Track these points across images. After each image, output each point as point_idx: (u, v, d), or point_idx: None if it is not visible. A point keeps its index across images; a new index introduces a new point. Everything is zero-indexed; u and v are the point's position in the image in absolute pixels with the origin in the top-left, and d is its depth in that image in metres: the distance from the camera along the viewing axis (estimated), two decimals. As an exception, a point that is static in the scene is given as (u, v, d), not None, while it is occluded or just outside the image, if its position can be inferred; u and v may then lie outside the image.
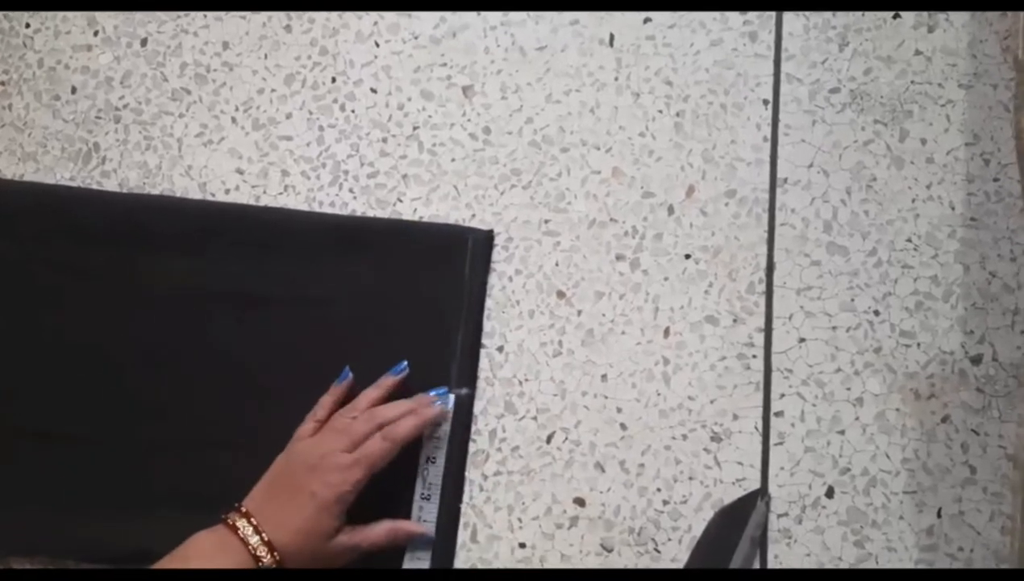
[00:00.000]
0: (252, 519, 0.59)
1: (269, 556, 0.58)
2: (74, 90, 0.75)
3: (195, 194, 0.72)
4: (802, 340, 0.68)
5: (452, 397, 0.66)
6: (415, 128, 0.73)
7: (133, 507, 0.65)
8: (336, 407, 0.65)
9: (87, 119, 0.74)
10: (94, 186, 0.72)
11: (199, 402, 0.67)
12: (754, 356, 0.68)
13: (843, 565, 0.64)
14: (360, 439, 0.61)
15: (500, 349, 0.69)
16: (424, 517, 0.64)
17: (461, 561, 0.65)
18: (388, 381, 0.65)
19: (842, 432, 0.66)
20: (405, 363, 0.65)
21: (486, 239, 0.70)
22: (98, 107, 0.74)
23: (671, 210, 0.71)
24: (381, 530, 0.62)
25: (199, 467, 0.65)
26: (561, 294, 0.70)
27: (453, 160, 0.73)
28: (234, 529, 0.58)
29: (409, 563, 0.64)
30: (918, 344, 0.68)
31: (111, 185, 0.73)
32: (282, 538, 0.58)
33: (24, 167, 0.73)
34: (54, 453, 0.66)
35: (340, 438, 0.61)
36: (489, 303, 0.69)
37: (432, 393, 0.65)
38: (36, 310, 0.69)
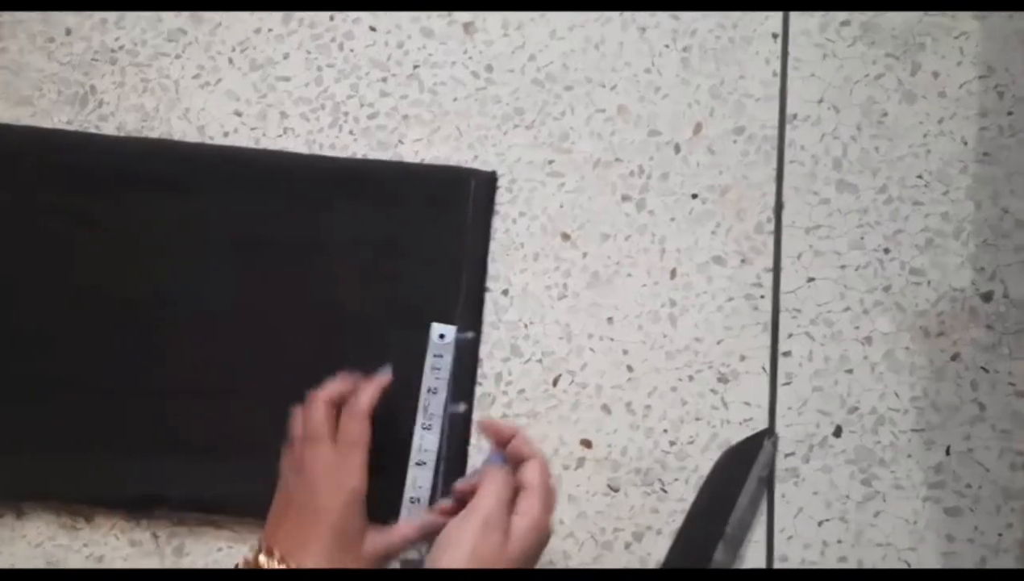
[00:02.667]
0: (275, 551, 0.55)
1: None
2: (69, 32, 0.73)
3: (193, 137, 0.71)
4: (811, 279, 0.67)
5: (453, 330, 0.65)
6: (415, 67, 0.72)
7: (141, 453, 0.65)
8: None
9: (83, 61, 0.73)
10: (92, 130, 0.71)
11: (201, 348, 0.66)
12: (762, 296, 0.67)
13: (851, 503, 0.64)
14: (332, 432, 0.59)
15: (505, 292, 0.68)
16: (425, 447, 0.64)
17: (468, 503, 0.65)
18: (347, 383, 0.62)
19: (850, 371, 0.66)
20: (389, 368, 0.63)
21: (489, 181, 0.69)
22: (94, 49, 0.73)
23: (678, 148, 0.70)
24: (410, 527, 0.59)
25: (204, 413, 0.65)
26: (566, 236, 0.69)
27: (455, 100, 0.71)
28: (257, 565, 0.55)
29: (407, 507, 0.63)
30: (928, 282, 0.67)
31: (109, 129, 0.71)
32: (308, 561, 0.55)
33: (20, 111, 0.72)
34: (60, 399, 0.66)
35: (317, 443, 0.58)
36: (493, 246, 0.68)
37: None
38: (35, 256, 0.68)
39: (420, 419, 0.64)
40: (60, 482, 0.65)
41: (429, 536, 0.57)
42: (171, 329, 0.67)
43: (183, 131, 0.71)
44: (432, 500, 0.63)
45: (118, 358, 0.67)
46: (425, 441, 0.64)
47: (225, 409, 0.65)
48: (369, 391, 0.61)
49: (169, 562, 0.65)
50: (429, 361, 0.65)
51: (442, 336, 0.65)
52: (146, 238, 0.68)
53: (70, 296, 0.67)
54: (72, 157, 0.70)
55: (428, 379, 0.65)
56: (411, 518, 0.61)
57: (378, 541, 0.57)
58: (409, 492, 0.63)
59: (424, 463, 0.64)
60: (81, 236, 0.68)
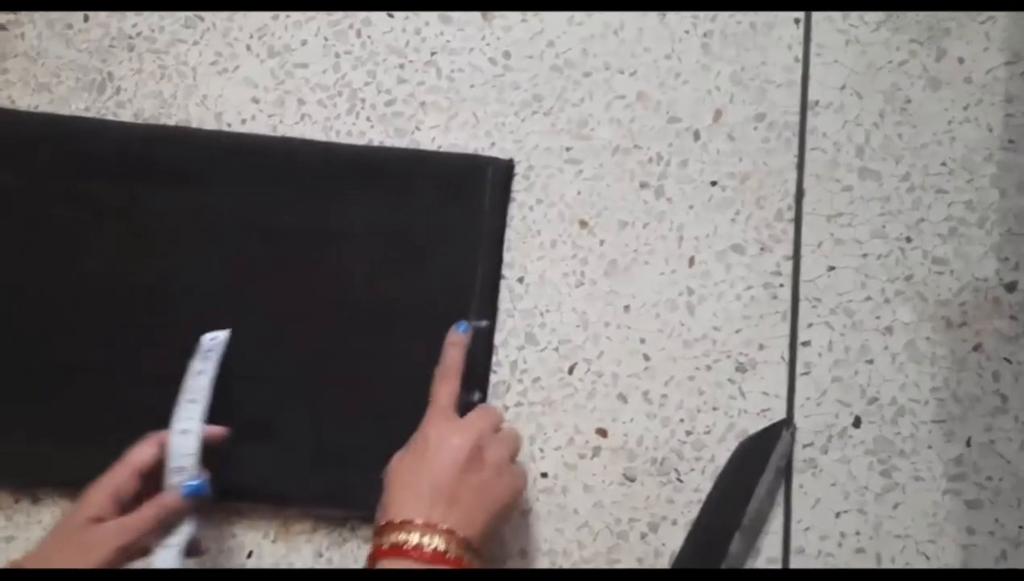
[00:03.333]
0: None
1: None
2: (87, 18, 0.73)
3: (211, 124, 0.71)
4: (831, 268, 0.66)
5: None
6: (433, 53, 0.71)
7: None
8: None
9: (100, 48, 0.73)
10: (110, 117, 0.71)
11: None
12: (781, 285, 0.66)
13: (869, 494, 0.63)
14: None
15: (520, 280, 0.68)
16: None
17: (483, 491, 0.65)
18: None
19: (871, 362, 0.65)
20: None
21: (506, 168, 0.68)
22: (111, 35, 0.73)
23: (697, 135, 0.69)
24: (149, 511, 0.57)
25: (219, 398, 0.65)
26: (583, 223, 0.68)
27: (472, 86, 0.71)
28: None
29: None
30: (951, 271, 0.66)
31: (127, 115, 0.71)
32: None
33: (39, 98, 0.72)
34: (73, 385, 0.66)
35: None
36: (509, 233, 0.68)
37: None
38: (50, 243, 0.68)
39: (177, 426, 0.60)
40: (74, 469, 0.65)
41: (169, 520, 0.57)
42: (184, 317, 0.67)
43: (200, 118, 0.71)
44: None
45: (131, 345, 0.67)
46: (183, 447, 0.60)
47: (238, 395, 0.65)
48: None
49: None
50: (193, 367, 0.62)
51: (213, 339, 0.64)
52: (161, 225, 0.68)
53: (84, 283, 0.68)
54: (89, 144, 0.70)
55: (188, 387, 0.61)
56: (153, 502, 0.57)
57: (109, 529, 0.56)
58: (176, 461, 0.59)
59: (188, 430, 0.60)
60: (97, 223, 0.68)
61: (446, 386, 0.60)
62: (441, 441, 0.56)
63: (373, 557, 0.54)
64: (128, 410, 0.66)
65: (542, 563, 0.63)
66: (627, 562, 0.63)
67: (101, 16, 0.73)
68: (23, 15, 0.73)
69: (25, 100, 0.72)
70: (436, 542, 0.52)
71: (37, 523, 0.66)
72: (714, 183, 0.68)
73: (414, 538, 0.52)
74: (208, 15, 0.73)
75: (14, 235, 0.69)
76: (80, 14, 0.73)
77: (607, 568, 0.63)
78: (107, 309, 0.67)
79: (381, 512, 0.55)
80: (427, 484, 0.54)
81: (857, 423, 0.64)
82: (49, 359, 0.67)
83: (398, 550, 0.52)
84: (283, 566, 0.64)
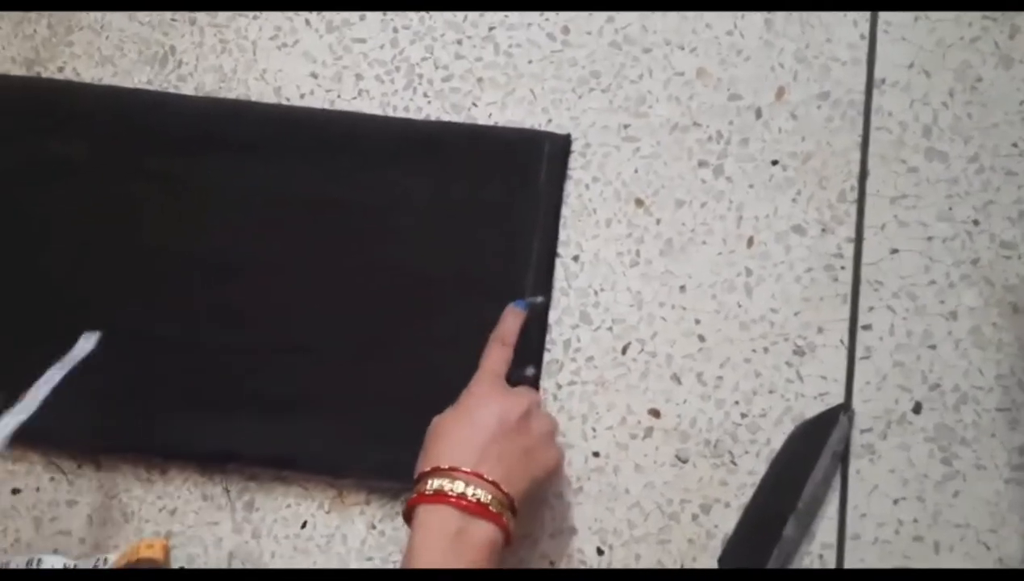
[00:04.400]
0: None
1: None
2: (150, -8, 0.74)
3: (270, 98, 0.71)
4: (895, 251, 0.65)
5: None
6: (491, 29, 0.71)
7: (214, 408, 0.66)
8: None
9: (163, 21, 0.73)
10: (171, 90, 0.72)
11: (273, 307, 0.67)
12: (842, 267, 0.65)
13: (928, 482, 0.62)
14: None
15: (576, 258, 0.67)
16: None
17: (535, 468, 0.65)
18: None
19: (933, 347, 0.63)
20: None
21: (563, 144, 0.68)
22: (174, 9, 0.73)
23: (759, 113, 0.68)
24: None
25: (275, 371, 0.66)
26: (640, 202, 0.68)
27: (530, 62, 0.70)
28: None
29: None
30: (1019, 255, 0.64)
31: (188, 89, 0.72)
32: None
33: (102, 71, 0.73)
34: (134, 354, 0.67)
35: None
36: (565, 211, 0.67)
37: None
38: (112, 213, 0.69)
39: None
40: (135, 435, 0.67)
41: None
42: (243, 288, 0.67)
43: (260, 92, 0.72)
44: None
45: (192, 316, 0.68)
46: None
47: (296, 367, 0.66)
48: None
49: (240, 516, 0.66)
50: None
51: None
52: (220, 197, 0.69)
53: (145, 254, 0.69)
54: (151, 117, 0.71)
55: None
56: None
57: None
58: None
59: None
60: (158, 195, 0.69)
61: (498, 353, 0.60)
62: (491, 401, 0.56)
63: (411, 504, 0.54)
64: (189, 378, 0.67)
65: (592, 542, 0.63)
66: (678, 543, 0.63)
67: (164, -10, 0.74)
68: (88, -12, 0.74)
69: (89, 73, 0.73)
70: (480, 493, 0.52)
71: (99, 488, 0.67)
72: (775, 162, 0.67)
73: (459, 486, 0.53)
74: (268, -10, 0.73)
75: (77, 206, 0.70)
76: (143, -12, 0.74)
77: (656, 547, 0.63)
78: (165, 280, 0.68)
79: (424, 460, 0.55)
80: (478, 437, 0.55)
81: (918, 409, 0.63)
82: (111, 328, 0.68)
83: (441, 496, 0.52)
84: (337, 537, 0.65)
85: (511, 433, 0.55)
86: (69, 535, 0.67)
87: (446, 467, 0.53)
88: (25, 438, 0.66)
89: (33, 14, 0.74)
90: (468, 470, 0.53)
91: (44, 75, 0.73)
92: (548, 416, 0.59)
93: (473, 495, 0.53)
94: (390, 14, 0.72)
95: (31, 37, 0.74)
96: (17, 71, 0.73)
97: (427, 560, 0.51)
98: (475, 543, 0.52)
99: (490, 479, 0.53)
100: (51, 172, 0.70)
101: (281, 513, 0.66)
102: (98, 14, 0.74)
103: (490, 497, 0.53)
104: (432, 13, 0.71)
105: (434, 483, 0.53)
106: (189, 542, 0.66)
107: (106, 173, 0.70)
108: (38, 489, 0.67)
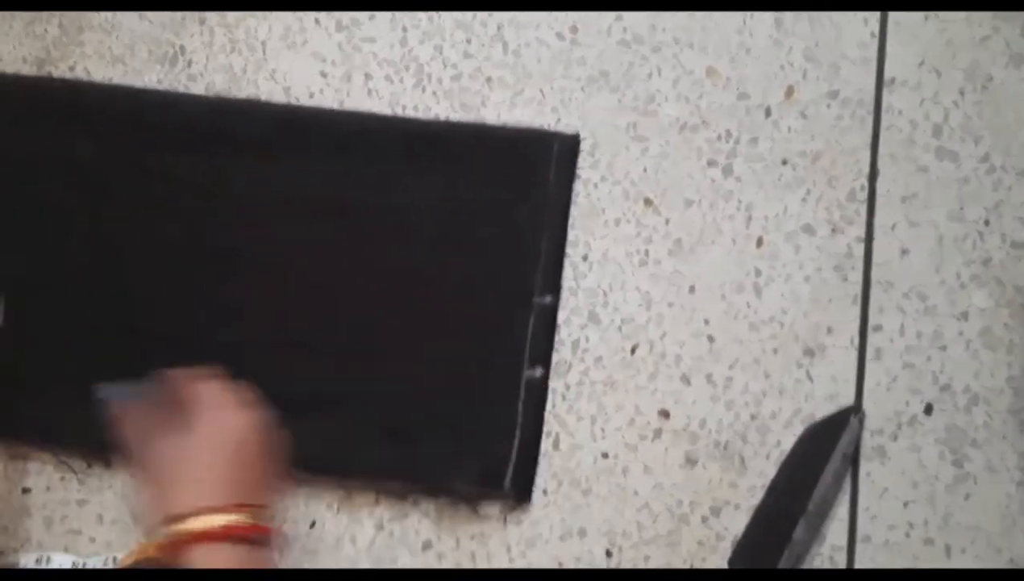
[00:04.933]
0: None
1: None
2: (159, -8, 0.74)
3: (279, 98, 0.72)
4: (905, 251, 0.65)
5: None
6: (499, 28, 0.71)
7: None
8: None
9: (173, 20, 0.74)
10: (181, 89, 0.72)
11: (280, 305, 0.67)
12: (852, 268, 0.65)
13: (939, 484, 0.61)
14: None
15: (584, 258, 0.67)
16: None
17: (543, 469, 0.64)
18: None
19: (944, 348, 0.63)
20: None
21: (572, 144, 0.68)
22: (183, 9, 0.74)
23: (768, 112, 0.67)
24: None
25: (283, 370, 0.66)
26: (649, 201, 0.67)
27: (539, 61, 0.70)
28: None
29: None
30: (1032, 257, 0.64)
31: (198, 88, 0.72)
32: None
33: (113, 70, 0.73)
34: (144, 351, 0.67)
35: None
36: (573, 211, 0.67)
37: None
38: (123, 211, 0.70)
39: None
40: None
41: None
42: (250, 286, 0.68)
43: (270, 91, 0.72)
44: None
45: (198, 314, 0.68)
46: None
47: (303, 366, 0.66)
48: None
49: (249, 515, 0.66)
50: None
51: None
52: (230, 196, 0.69)
53: (156, 251, 0.69)
54: (161, 116, 0.71)
55: None
56: None
57: None
58: None
59: None
60: (168, 193, 0.70)
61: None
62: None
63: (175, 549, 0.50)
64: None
65: (601, 543, 0.63)
66: (688, 545, 0.63)
67: (173, -10, 0.74)
68: (98, -11, 0.74)
69: (100, 72, 0.73)
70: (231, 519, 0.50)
71: (109, 488, 0.67)
72: (785, 162, 0.67)
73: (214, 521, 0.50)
74: (277, -11, 0.73)
75: (89, 204, 0.70)
76: (153, -12, 0.74)
77: (665, 549, 0.63)
78: (178, 277, 0.69)
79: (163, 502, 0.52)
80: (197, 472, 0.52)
81: (928, 411, 0.63)
82: (121, 327, 0.68)
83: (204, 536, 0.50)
84: (346, 537, 0.65)
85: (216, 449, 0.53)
86: (79, 534, 0.67)
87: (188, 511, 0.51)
88: (36, 438, 0.67)
89: (44, 14, 0.74)
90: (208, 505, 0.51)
91: (55, 74, 0.73)
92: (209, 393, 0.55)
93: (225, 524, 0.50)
94: (399, 14, 0.72)
95: (42, 37, 0.74)
96: (28, 70, 0.74)
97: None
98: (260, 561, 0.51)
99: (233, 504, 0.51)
100: (62, 170, 0.70)
101: (290, 513, 0.66)
102: (108, 14, 0.74)
103: (235, 517, 0.51)
104: (441, 12, 0.71)
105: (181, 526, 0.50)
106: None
107: (117, 171, 0.70)
108: (48, 488, 0.67)
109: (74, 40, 0.74)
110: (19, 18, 0.75)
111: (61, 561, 0.62)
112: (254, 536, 0.51)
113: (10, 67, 0.74)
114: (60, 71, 0.73)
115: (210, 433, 0.53)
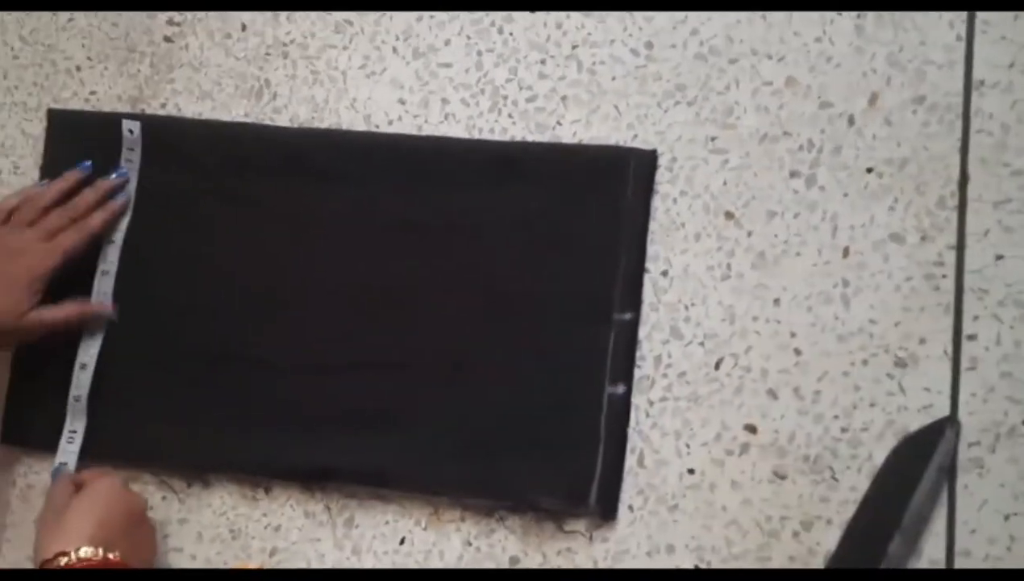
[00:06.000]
0: None
1: None
2: (244, 27, 0.77)
3: (360, 126, 0.73)
4: (999, 257, 0.63)
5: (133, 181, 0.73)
6: (574, 47, 0.71)
7: (311, 427, 0.68)
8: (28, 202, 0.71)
9: (257, 56, 0.76)
10: (267, 122, 0.75)
11: (366, 326, 0.69)
12: (944, 276, 0.63)
13: (1043, 499, 0.59)
14: (55, 231, 0.69)
15: (664, 273, 0.67)
16: (103, 290, 0.72)
17: (629, 485, 0.64)
18: (73, 176, 0.72)
19: (1044, 357, 0.61)
20: (88, 163, 0.73)
21: (649, 160, 0.68)
22: (267, 43, 0.76)
23: (852, 120, 0.66)
24: (69, 308, 0.70)
25: (368, 389, 0.68)
26: (729, 215, 0.67)
27: (614, 78, 0.70)
28: None
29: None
30: None
31: (283, 120, 0.75)
32: None
33: (202, 105, 0.76)
34: (235, 374, 0.70)
35: (36, 230, 0.69)
36: (653, 226, 0.67)
37: (113, 175, 0.73)
38: (215, 239, 0.73)
39: (100, 265, 0.73)
40: (240, 454, 0.69)
41: (85, 319, 0.71)
42: (338, 309, 0.70)
43: (351, 120, 0.74)
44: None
45: (290, 336, 0.70)
46: (102, 284, 0.72)
47: (388, 385, 0.68)
48: (102, 217, 0.72)
49: (340, 533, 0.67)
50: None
51: (131, 131, 0.73)
52: (316, 222, 0.71)
53: (247, 277, 0.71)
54: (249, 148, 0.73)
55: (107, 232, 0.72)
56: (69, 302, 0.70)
57: (36, 315, 0.68)
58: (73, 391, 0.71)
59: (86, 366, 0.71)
60: (258, 221, 0.72)
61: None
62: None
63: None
64: (284, 397, 0.69)
65: (690, 559, 0.63)
66: (779, 561, 0.62)
67: (257, 24, 0.76)
68: (187, 27, 0.77)
69: (190, 108, 0.76)
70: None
71: (207, 506, 0.70)
72: (870, 170, 0.65)
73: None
74: (356, 19, 0.75)
75: (182, 233, 0.73)
76: (238, 23, 0.77)
77: (756, 568, 0.62)
78: (265, 301, 0.71)
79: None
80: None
81: (1029, 422, 0.60)
82: (215, 351, 0.71)
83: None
84: (434, 553, 0.66)
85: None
86: (181, 552, 0.69)
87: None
88: (139, 459, 0.70)
89: (136, 54, 0.78)
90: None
91: (148, 111, 0.77)
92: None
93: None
94: (474, 38, 0.73)
95: (135, 76, 0.78)
96: (123, 108, 0.77)
97: None
98: None
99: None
100: (163, 202, 0.74)
101: (380, 529, 0.67)
102: (196, 51, 0.77)
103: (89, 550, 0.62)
104: (515, 34, 0.72)
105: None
106: (293, 558, 0.68)
107: (210, 201, 0.73)
108: (151, 508, 0.70)
109: (165, 78, 0.77)
110: (113, 58, 0.78)
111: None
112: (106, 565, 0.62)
113: (107, 105, 0.78)
114: (152, 108, 0.77)
115: (85, 501, 0.65)
